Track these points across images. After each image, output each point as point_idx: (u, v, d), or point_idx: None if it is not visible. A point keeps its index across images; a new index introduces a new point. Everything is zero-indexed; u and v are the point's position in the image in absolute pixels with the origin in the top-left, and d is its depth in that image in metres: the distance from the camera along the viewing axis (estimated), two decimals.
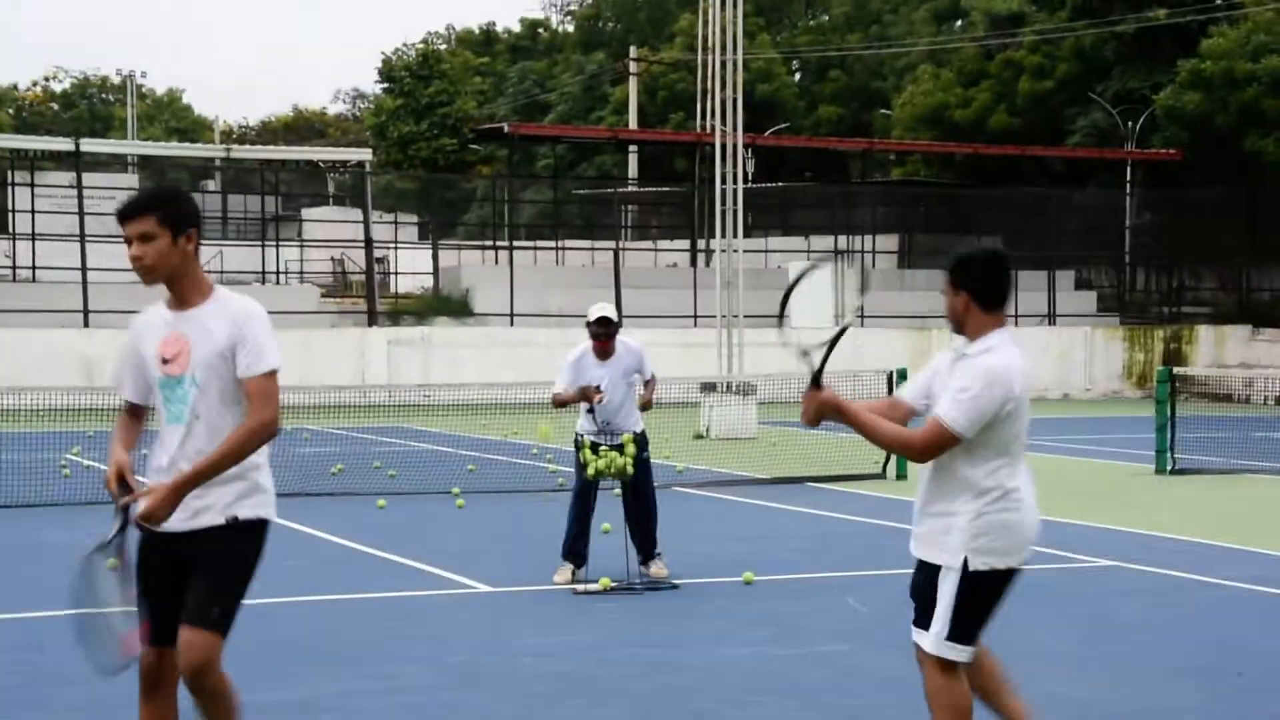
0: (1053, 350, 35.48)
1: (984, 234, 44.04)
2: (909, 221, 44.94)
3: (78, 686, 7.17)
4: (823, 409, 5.09)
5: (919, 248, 43.93)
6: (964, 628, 5.10)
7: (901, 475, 16.62)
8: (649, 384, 10.18)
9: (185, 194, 5.19)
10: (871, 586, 10.11)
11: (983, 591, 5.10)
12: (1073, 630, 8.75)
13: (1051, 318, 37.36)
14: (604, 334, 9.94)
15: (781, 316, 5.46)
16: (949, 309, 5.28)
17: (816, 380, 5.12)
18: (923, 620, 5.22)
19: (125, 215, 4.83)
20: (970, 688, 5.19)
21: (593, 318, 9.97)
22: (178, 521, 4.86)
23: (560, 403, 10.00)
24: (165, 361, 4.97)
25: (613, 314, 9.99)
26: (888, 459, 16.95)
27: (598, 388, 9.81)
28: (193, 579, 4.87)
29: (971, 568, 5.05)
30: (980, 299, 5.22)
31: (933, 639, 5.12)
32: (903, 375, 17.29)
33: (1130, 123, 45.57)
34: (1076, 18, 48.50)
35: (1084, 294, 40.75)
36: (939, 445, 5.01)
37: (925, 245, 43.92)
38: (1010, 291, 5.33)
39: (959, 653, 5.11)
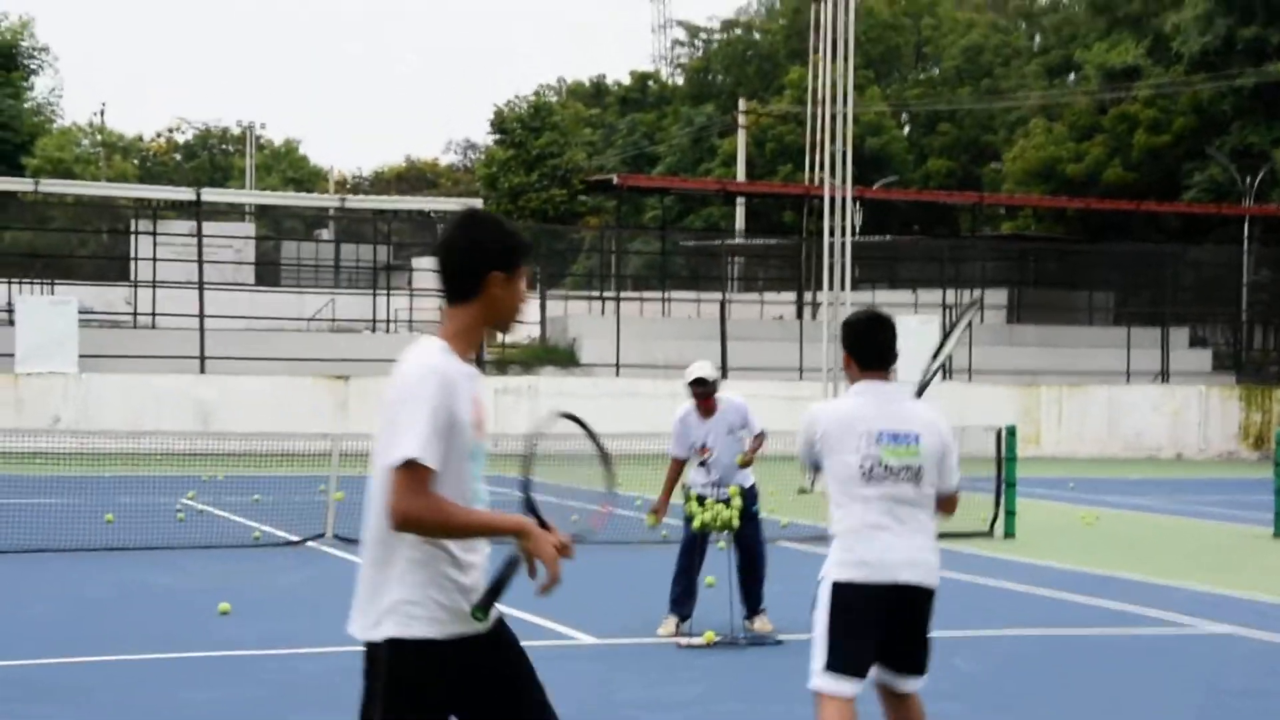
0: (1166, 409, 34.86)
1: (1095, 289, 43.55)
2: (1018, 276, 44.51)
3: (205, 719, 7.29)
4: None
5: (1029, 302, 43.46)
6: (841, 655, 5.58)
7: (1009, 534, 16.40)
8: (757, 439, 10.18)
9: None
10: (977, 646, 9.97)
11: (852, 609, 5.62)
12: (1187, 698, 8.56)
13: (1165, 375, 36.71)
14: (702, 393, 10.01)
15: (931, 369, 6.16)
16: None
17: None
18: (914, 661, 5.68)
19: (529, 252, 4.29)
20: None
21: (689, 379, 10.05)
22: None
23: (668, 479, 10.21)
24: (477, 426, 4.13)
25: (709, 373, 10.05)
26: (995, 516, 16.72)
27: (704, 446, 9.91)
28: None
29: (836, 579, 5.66)
30: (856, 358, 5.73)
31: (813, 672, 5.56)
32: (1011, 431, 17.08)
33: (1248, 178, 44.80)
34: (1193, 71, 47.88)
35: (1199, 352, 40.01)
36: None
37: (1035, 300, 43.44)
38: (887, 352, 5.71)
39: (824, 683, 5.58)
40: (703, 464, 10.02)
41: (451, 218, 4.18)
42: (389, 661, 3.90)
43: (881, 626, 5.54)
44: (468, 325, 4.02)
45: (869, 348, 5.70)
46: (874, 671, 5.59)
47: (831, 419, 5.64)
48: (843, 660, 5.47)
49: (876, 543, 5.53)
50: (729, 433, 10.04)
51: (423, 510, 3.81)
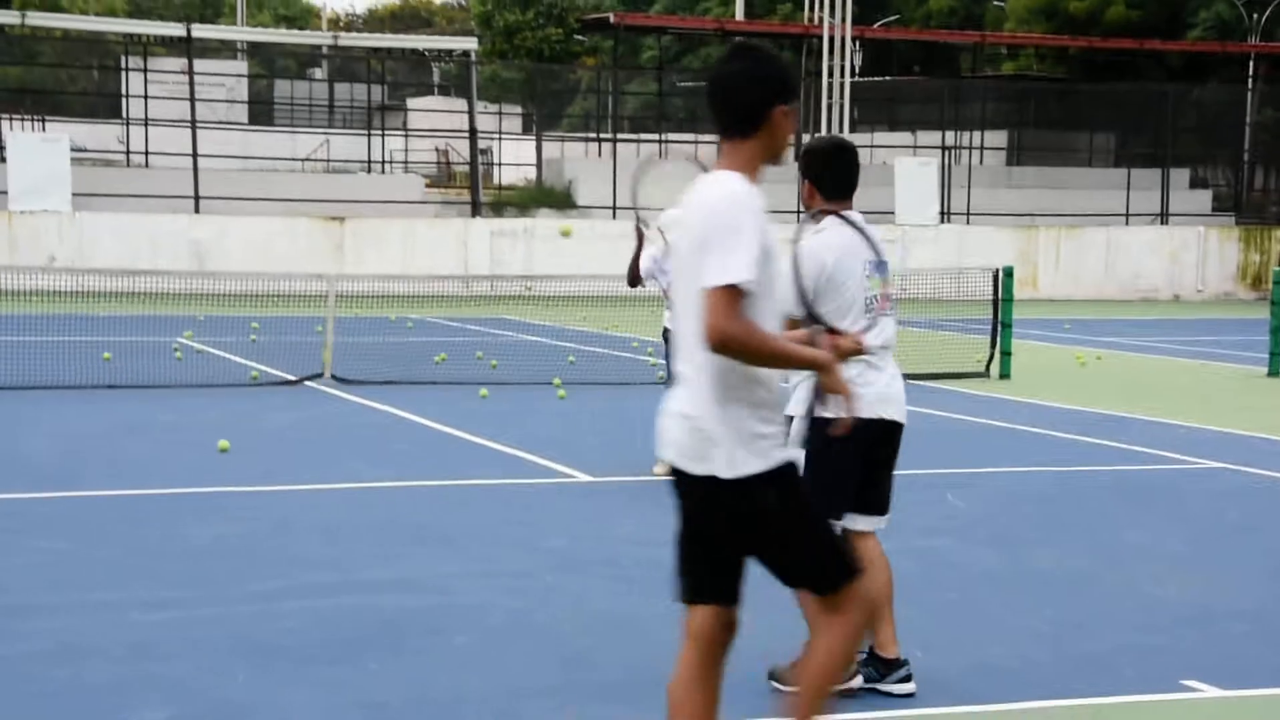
0: (1164, 250, 34.79)
1: (1097, 130, 43.11)
2: (1019, 118, 44.05)
3: (186, 559, 7.38)
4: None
5: (1029, 144, 43.10)
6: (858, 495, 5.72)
7: (1005, 374, 16.46)
8: None
9: None
10: (971, 483, 10.07)
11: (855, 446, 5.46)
12: (1181, 531, 8.67)
13: (1164, 217, 36.55)
14: None
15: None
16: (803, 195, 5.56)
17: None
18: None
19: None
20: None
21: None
22: None
23: (632, 276, 10.05)
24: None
25: None
26: (990, 357, 16.77)
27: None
28: None
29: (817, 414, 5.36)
30: (819, 188, 5.46)
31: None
32: (1009, 273, 17.05)
33: (1255, 15, 44.09)
34: None
35: (1199, 193, 39.78)
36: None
37: (1035, 142, 43.07)
38: (852, 181, 5.51)
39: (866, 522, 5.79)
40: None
41: (725, 52, 4.11)
42: (758, 493, 3.92)
43: (860, 465, 5.52)
44: (750, 158, 4.00)
45: (839, 175, 5.47)
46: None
47: (835, 253, 5.32)
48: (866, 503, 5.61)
49: (864, 378, 5.41)
50: None
51: (742, 332, 3.79)
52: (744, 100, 3.98)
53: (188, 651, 5.86)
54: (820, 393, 4.22)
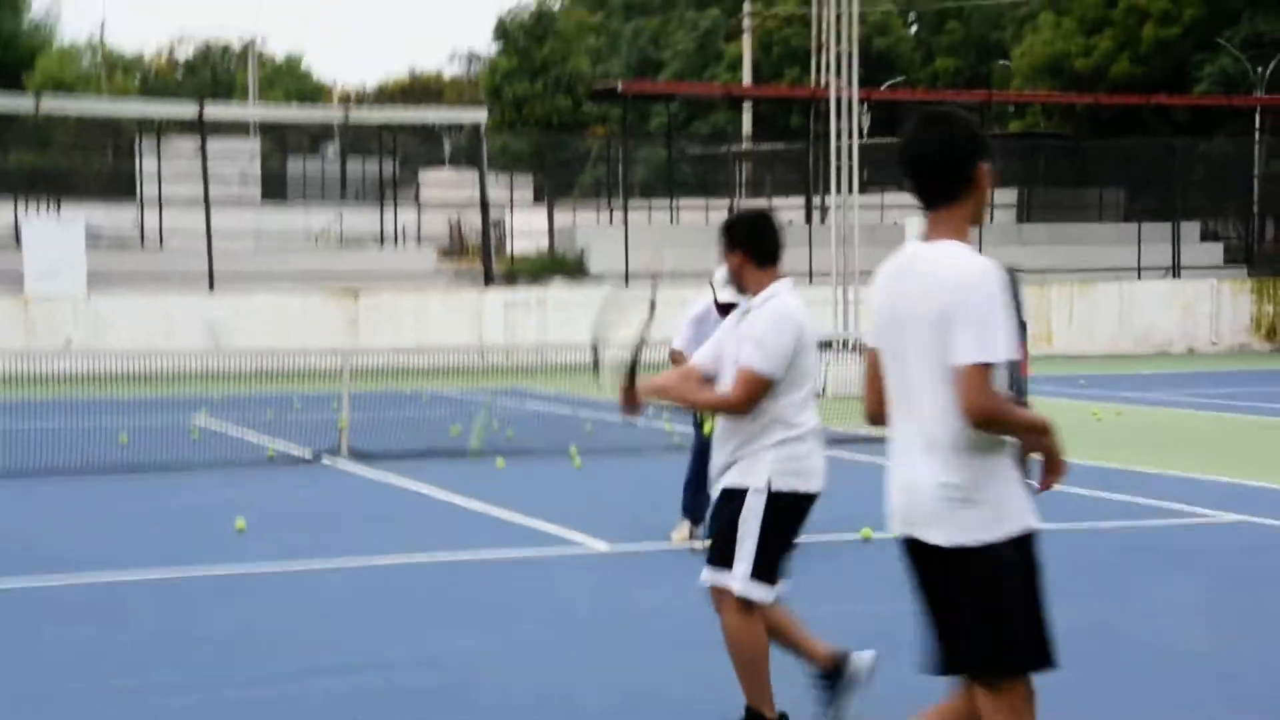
0: (1177, 303, 34.77)
1: (1106, 186, 43.23)
2: (1028, 175, 44.21)
3: (208, 642, 7.37)
4: (644, 395, 5.64)
5: (1038, 201, 43.21)
6: (769, 563, 5.40)
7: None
8: None
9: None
10: None
11: (786, 518, 5.42)
12: (1203, 585, 8.62)
13: (1176, 270, 36.57)
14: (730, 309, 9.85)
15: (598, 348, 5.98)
16: (729, 268, 5.63)
17: (631, 378, 5.60)
18: (720, 559, 5.47)
19: None
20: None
21: (721, 300, 9.83)
22: None
23: (676, 363, 9.96)
24: None
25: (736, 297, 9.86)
26: None
27: None
28: None
29: (775, 489, 5.38)
30: (754, 256, 5.54)
31: (739, 579, 5.38)
32: (1022, 328, 17.03)
33: (1260, 68, 44.31)
34: None
35: (1210, 246, 39.82)
36: (755, 393, 5.37)
37: (1045, 199, 43.18)
38: (781, 247, 5.64)
39: (764, 592, 5.42)
40: None
41: (916, 122, 4.15)
42: (1004, 560, 3.93)
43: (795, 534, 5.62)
44: (962, 223, 4.03)
45: (772, 244, 5.61)
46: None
47: (806, 320, 5.57)
48: (772, 570, 5.49)
49: (816, 450, 5.56)
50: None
51: (1000, 409, 3.86)
52: (951, 166, 4.01)
53: None
54: (1024, 457, 4.09)
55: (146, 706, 6.23)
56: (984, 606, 3.95)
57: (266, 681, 6.65)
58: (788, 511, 5.44)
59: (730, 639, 5.47)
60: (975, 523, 3.91)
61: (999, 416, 3.87)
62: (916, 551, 4.04)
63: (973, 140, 4.03)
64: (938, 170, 4.01)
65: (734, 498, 5.46)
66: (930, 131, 4.05)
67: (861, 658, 5.74)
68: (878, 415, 4.22)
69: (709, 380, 5.59)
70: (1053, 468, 4.07)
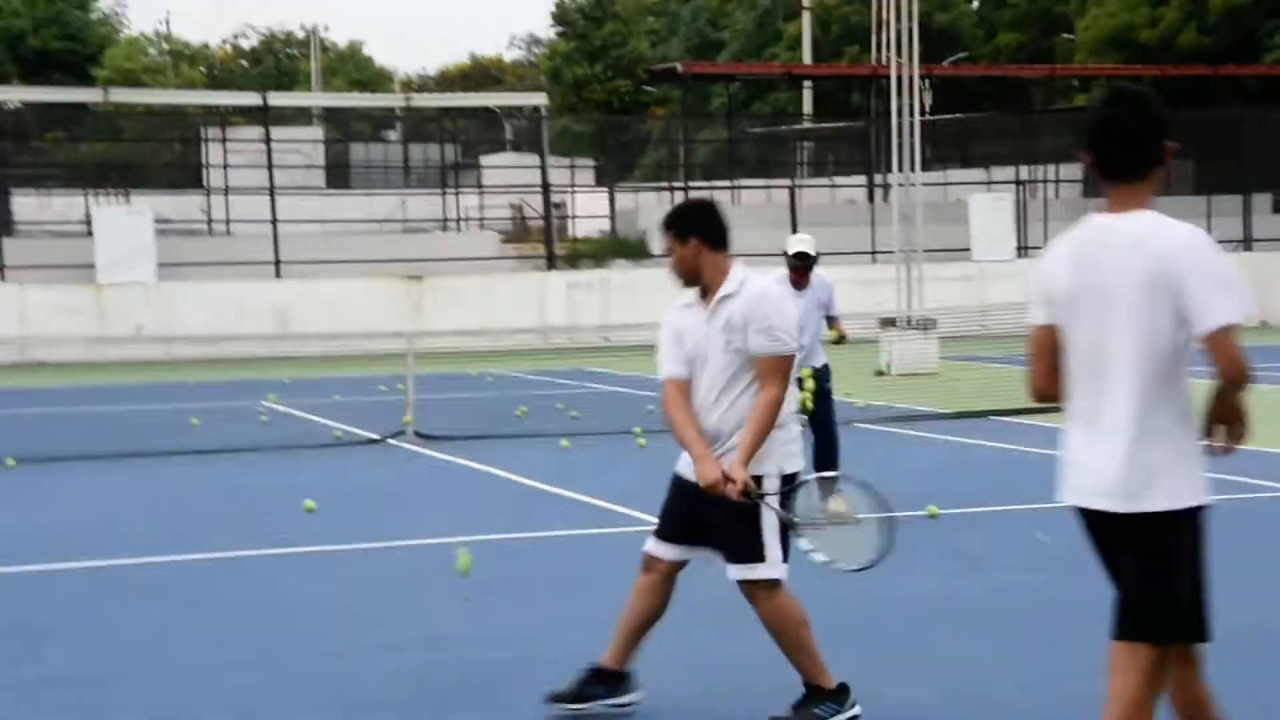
0: (1249, 276, 34.18)
1: (1174, 159, 42.66)
2: None
3: (280, 619, 7.49)
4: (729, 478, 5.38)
5: None
6: (786, 542, 5.49)
7: None
8: (834, 321, 10.16)
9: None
10: (1058, 519, 9.94)
11: (788, 497, 5.47)
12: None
13: (1248, 243, 36.08)
14: (801, 267, 9.93)
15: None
16: (679, 261, 5.51)
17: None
18: (748, 553, 5.47)
19: None
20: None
21: (791, 251, 9.97)
22: None
23: None
24: None
25: (811, 249, 9.97)
26: None
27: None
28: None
29: (785, 472, 5.46)
30: (710, 241, 5.48)
31: (775, 565, 5.46)
32: None
33: None
34: None
35: None
36: (787, 374, 5.43)
37: None
38: (729, 230, 5.62)
39: (784, 569, 5.49)
40: None
41: (1104, 99, 4.27)
42: (1190, 528, 4.09)
43: None
44: (1149, 195, 4.13)
45: (724, 227, 5.64)
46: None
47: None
48: (787, 547, 5.59)
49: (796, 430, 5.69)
50: (818, 308, 10.03)
51: (1250, 367, 4.01)
52: (1145, 141, 4.12)
53: (285, 710, 5.94)
54: (1212, 424, 4.17)
55: (223, 684, 6.34)
56: (1168, 570, 4.08)
57: (335, 656, 6.75)
58: (789, 491, 5.54)
59: (772, 624, 5.53)
60: (1175, 491, 4.03)
61: (1251, 375, 3.97)
62: (1103, 520, 4.12)
63: (1162, 117, 4.15)
64: (1132, 145, 4.11)
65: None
66: (1125, 107, 4.15)
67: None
68: (1047, 392, 4.28)
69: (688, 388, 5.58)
70: (1238, 433, 4.17)
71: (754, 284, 5.49)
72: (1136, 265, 3.97)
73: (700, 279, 5.52)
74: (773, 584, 5.48)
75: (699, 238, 5.49)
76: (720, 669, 6.49)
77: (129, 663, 6.73)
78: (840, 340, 10.16)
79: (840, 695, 5.54)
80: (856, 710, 5.53)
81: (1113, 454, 4.04)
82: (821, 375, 10.04)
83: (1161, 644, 4.10)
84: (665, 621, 5.85)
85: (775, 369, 5.39)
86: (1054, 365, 4.22)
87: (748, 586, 5.53)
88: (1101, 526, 4.13)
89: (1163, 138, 4.13)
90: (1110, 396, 4.04)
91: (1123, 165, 4.11)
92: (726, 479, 5.32)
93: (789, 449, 5.55)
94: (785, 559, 5.53)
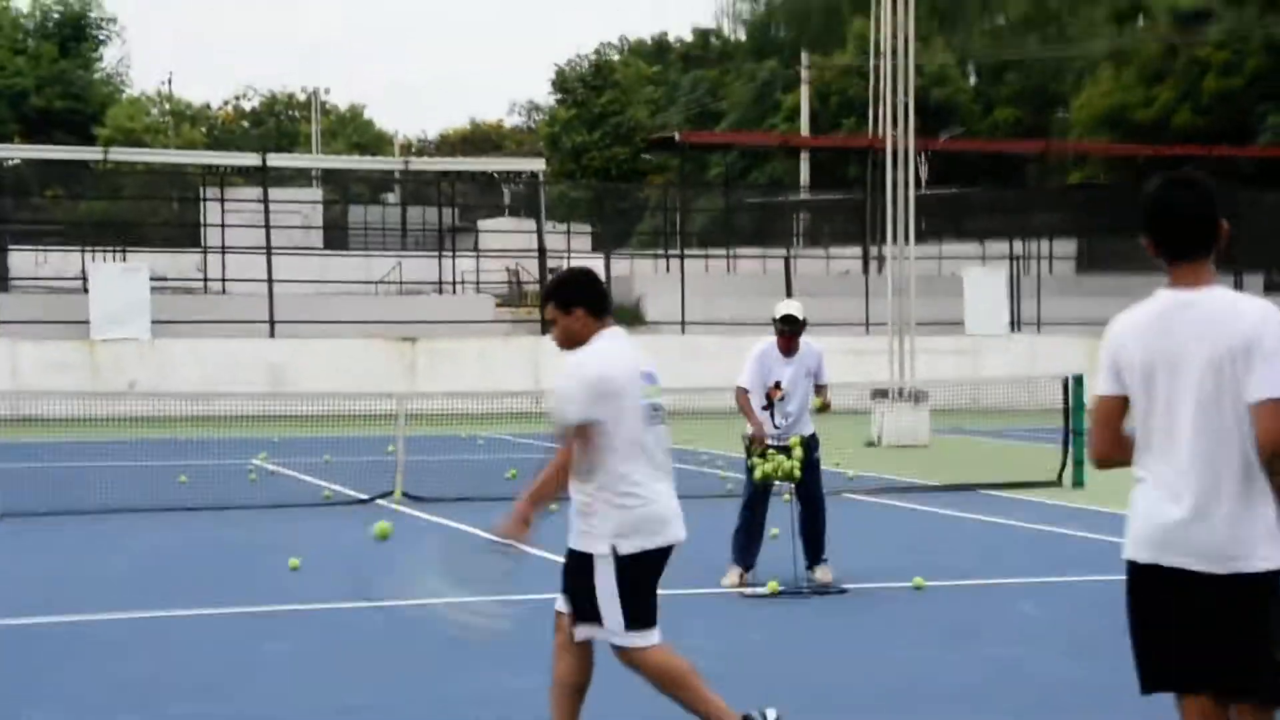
0: None
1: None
2: (1088, 225, 44.02)
3: (262, 675, 7.45)
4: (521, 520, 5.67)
5: (1098, 251, 42.99)
6: (635, 613, 5.56)
7: (1078, 483, 16.29)
8: (822, 389, 10.16)
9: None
10: (1046, 593, 9.96)
11: (636, 574, 5.55)
12: None
13: None
14: (789, 331, 9.95)
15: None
16: (562, 330, 5.71)
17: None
18: (588, 613, 5.61)
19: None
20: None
21: (779, 315, 10.00)
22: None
23: (744, 406, 10.02)
24: None
25: (799, 313, 9.99)
26: (1063, 465, 16.64)
27: (778, 384, 9.85)
28: None
29: (621, 553, 5.51)
30: (592, 310, 5.68)
31: (614, 633, 5.57)
32: (1079, 380, 16.96)
33: None
34: (1267, 10, 46.95)
35: (1274, 298, 38.75)
36: (570, 440, 5.57)
37: (1105, 249, 42.94)
38: (608, 298, 5.81)
39: (645, 637, 5.60)
40: (768, 406, 9.92)
41: (1164, 183, 4.53)
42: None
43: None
44: (1212, 270, 4.36)
45: (602, 295, 5.78)
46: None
47: (616, 362, 5.63)
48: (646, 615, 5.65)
49: (662, 497, 5.64)
50: (805, 375, 10.02)
51: None
52: (1208, 221, 4.38)
53: None
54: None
55: None
56: (1267, 630, 4.16)
57: (315, 714, 6.71)
58: (645, 566, 5.65)
59: (656, 682, 5.73)
60: (1270, 554, 4.12)
61: None
62: (1186, 580, 4.19)
63: (1215, 200, 4.43)
64: (1195, 226, 4.37)
65: (583, 558, 5.67)
66: (1189, 191, 4.43)
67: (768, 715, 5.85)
68: (1112, 458, 4.44)
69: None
70: None
71: (580, 354, 5.62)
72: (1221, 336, 4.19)
73: (580, 344, 5.71)
74: (635, 649, 5.62)
75: (584, 308, 5.67)
76: None
77: (110, 717, 6.69)
78: (824, 409, 10.15)
79: None
80: None
81: (1206, 517, 4.16)
82: (809, 444, 10.04)
83: (1272, 705, 4.21)
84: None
85: (559, 435, 5.63)
86: (1119, 433, 4.43)
87: (614, 650, 5.68)
88: (1182, 586, 4.20)
89: (1219, 217, 4.39)
90: (1189, 462, 4.20)
91: (1187, 245, 4.37)
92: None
93: (601, 527, 5.57)
94: (640, 623, 5.57)
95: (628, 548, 5.52)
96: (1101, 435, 4.45)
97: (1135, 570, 4.29)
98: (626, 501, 5.53)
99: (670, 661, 5.64)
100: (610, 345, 5.66)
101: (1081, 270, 41.94)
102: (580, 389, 5.50)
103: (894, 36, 26.74)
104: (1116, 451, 4.42)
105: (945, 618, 9.04)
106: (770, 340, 10.07)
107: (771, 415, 9.94)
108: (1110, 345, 4.43)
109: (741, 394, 10.00)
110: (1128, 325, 4.43)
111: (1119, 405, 4.40)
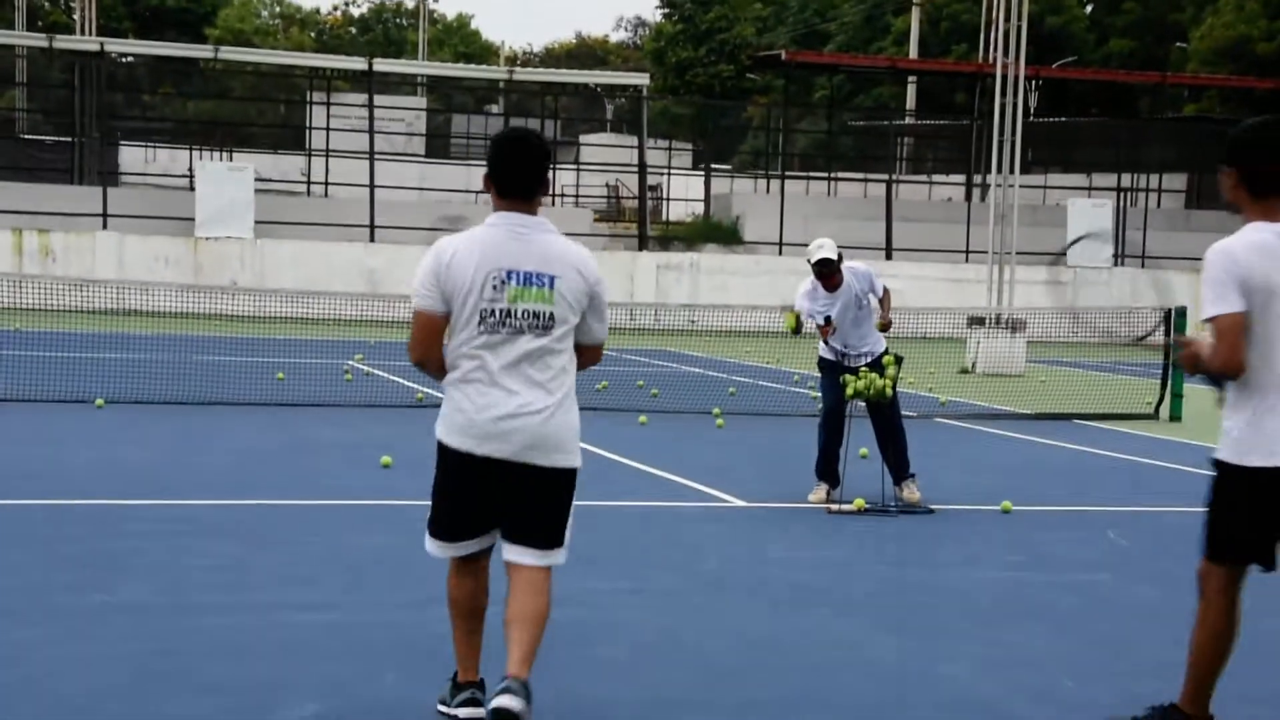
0: None
1: None
2: (1200, 160, 43.01)
3: (347, 567, 7.58)
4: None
5: (1209, 188, 42.02)
6: (433, 512, 5.27)
7: (1175, 416, 16.06)
8: (883, 301, 10.08)
9: None
10: (1134, 522, 9.85)
11: (443, 469, 5.25)
12: None
13: None
14: (826, 273, 9.91)
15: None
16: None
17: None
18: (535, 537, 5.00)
19: None
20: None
21: (813, 259, 9.94)
22: None
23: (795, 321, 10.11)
24: None
25: (832, 253, 9.89)
26: (1160, 399, 16.39)
27: (827, 319, 9.84)
28: None
29: (438, 437, 5.19)
30: (498, 186, 4.98)
31: (565, 552, 5.07)
32: (1181, 313, 16.66)
33: None
34: None
35: None
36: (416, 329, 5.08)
37: (1215, 186, 41.98)
38: (525, 176, 4.95)
39: (435, 545, 5.26)
40: (826, 342, 10.03)
41: (1262, 121, 4.87)
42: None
43: (490, 494, 5.06)
44: None
45: (508, 170, 4.92)
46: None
47: (461, 252, 4.90)
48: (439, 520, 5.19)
49: (486, 410, 4.96)
50: (855, 303, 9.95)
51: None
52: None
53: (341, 653, 6.01)
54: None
55: (285, 623, 6.44)
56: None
57: (399, 606, 6.82)
58: (453, 468, 5.24)
59: (545, 611, 5.10)
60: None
61: None
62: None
63: None
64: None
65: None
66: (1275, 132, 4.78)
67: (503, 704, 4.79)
68: (1239, 366, 4.75)
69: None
70: None
71: (444, 238, 5.07)
72: None
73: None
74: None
75: (491, 181, 5.00)
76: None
77: (198, 595, 6.86)
78: (884, 327, 10.07)
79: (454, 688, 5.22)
80: (463, 712, 5.10)
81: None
82: (874, 364, 9.96)
83: None
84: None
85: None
86: (1242, 344, 4.72)
87: (533, 573, 5.12)
88: None
89: None
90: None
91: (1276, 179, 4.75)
92: None
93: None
94: (438, 534, 5.18)
95: (447, 438, 5.08)
96: (1236, 346, 4.71)
97: (1262, 474, 4.73)
98: (447, 399, 5.09)
99: (448, 586, 5.18)
100: (477, 232, 4.96)
101: (1190, 205, 41.04)
102: (418, 275, 4.97)
103: None
104: (1241, 360, 4.71)
105: (1032, 541, 8.98)
106: (813, 279, 10.05)
107: (831, 347, 10.01)
108: (1238, 265, 4.68)
109: (790, 314, 10.15)
110: (1253, 248, 4.72)
111: (1242, 320, 4.70)
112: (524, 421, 4.94)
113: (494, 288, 4.88)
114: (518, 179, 4.94)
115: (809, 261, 10.00)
